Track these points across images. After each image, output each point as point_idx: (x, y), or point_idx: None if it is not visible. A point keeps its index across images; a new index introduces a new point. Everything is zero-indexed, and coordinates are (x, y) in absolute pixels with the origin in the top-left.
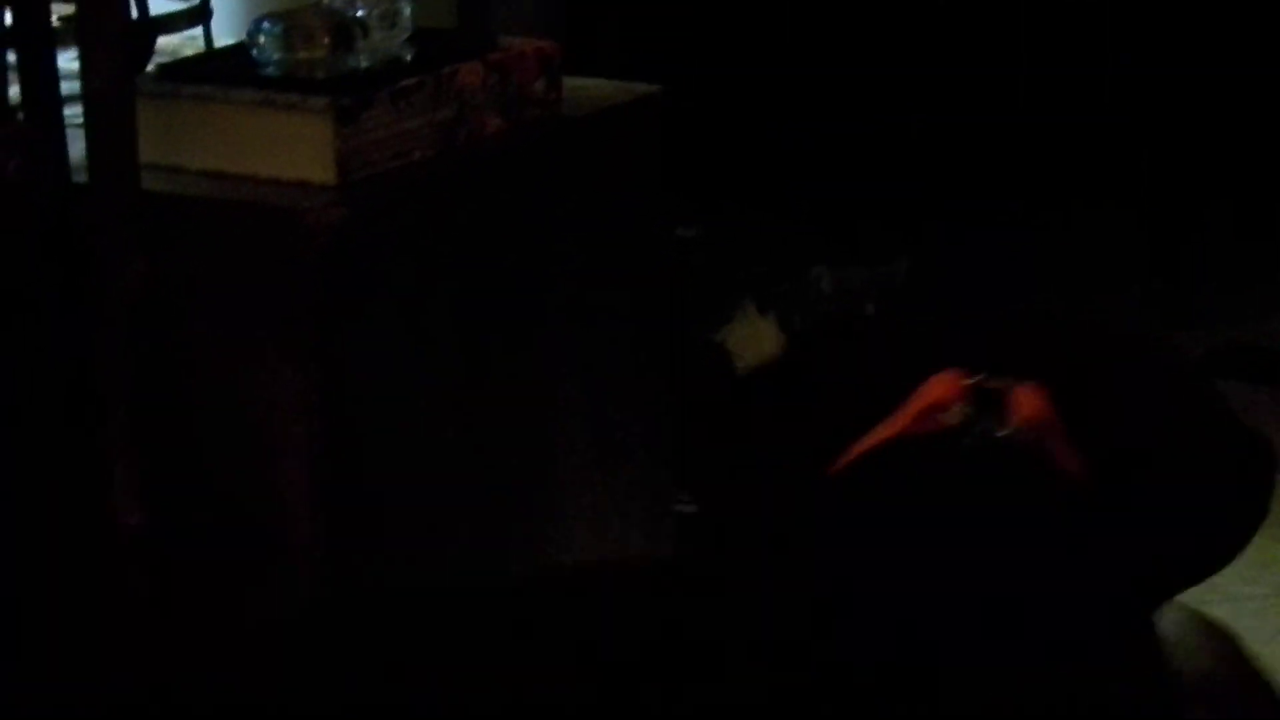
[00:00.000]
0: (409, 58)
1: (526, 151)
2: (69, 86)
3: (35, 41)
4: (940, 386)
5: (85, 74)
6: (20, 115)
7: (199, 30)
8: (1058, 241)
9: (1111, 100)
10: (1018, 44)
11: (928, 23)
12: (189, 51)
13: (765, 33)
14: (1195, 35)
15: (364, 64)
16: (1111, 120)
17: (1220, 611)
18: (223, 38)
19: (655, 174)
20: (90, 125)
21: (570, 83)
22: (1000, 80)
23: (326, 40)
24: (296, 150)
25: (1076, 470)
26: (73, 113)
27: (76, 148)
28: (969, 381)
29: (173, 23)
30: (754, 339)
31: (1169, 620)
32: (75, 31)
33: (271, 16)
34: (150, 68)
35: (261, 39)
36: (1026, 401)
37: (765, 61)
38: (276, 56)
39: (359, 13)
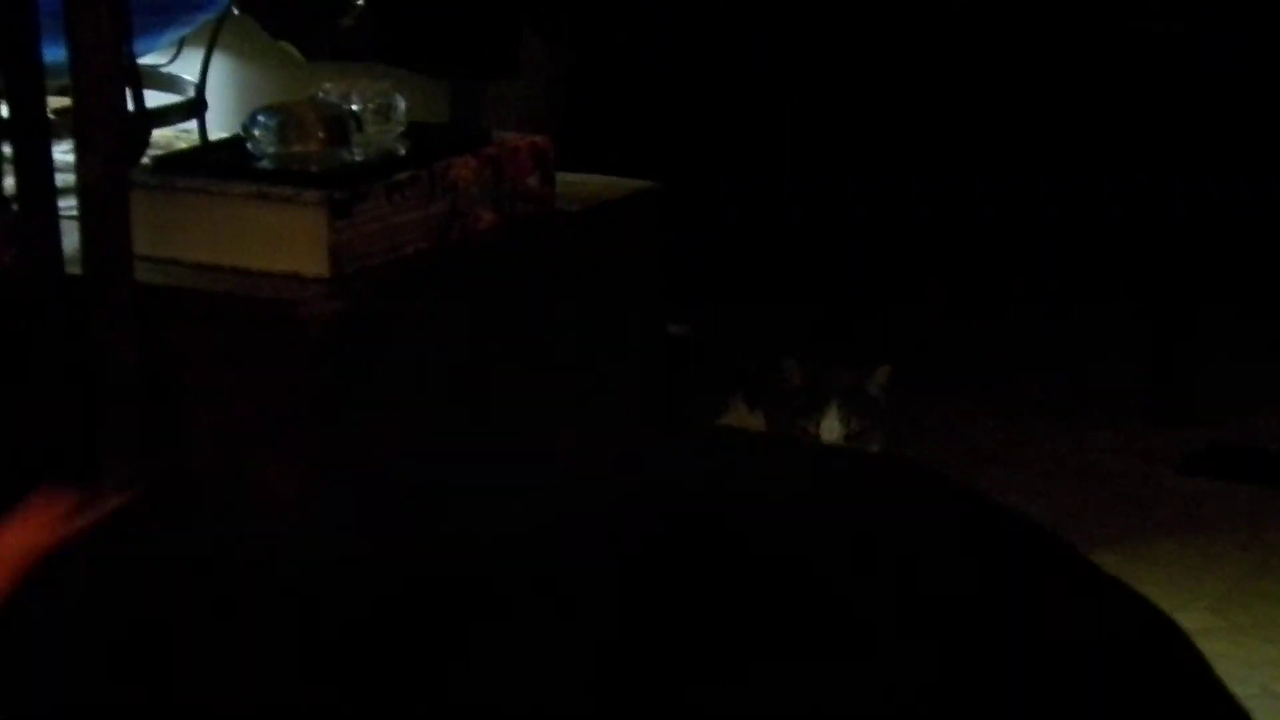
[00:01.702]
0: (403, 151)
1: (519, 245)
2: (64, 179)
3: (31, 133)
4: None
5: (80, 166)
6: (15, 206)
7: (194, 123)
8: (1046, 331)
9: (1106, 193)
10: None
11: (920, 115)
12: (184, 144)
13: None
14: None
15: (358, 157)
16: (1107, 211)
17: None
18: (217, 131)
19: (649, 268)
20: (85, 217)
21: (564, 178)
22: (997, 176)
23: (321, 134)
24: (290, 243)
25: None
26: (67, 205)
27: (71, 239)
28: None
29: (167, 116)
30: None
31: None
32: (71, 124)
33: (266, 110)
34: (145, 160)
35: (256, 132)
36: None
37: (757, 156)
38: (271, 150)
39: (354, 106)
